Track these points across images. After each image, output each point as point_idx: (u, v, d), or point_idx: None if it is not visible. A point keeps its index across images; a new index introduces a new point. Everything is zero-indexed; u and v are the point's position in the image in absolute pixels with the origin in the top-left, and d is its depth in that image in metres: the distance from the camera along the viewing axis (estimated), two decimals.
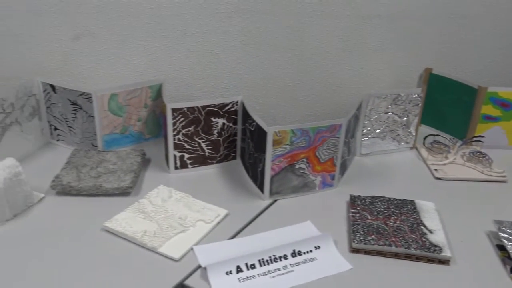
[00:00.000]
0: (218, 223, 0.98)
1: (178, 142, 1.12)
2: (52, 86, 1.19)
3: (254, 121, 1.04)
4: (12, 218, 0.97)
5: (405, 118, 1.26)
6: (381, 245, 0.90)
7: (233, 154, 1.19)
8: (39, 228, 0.96)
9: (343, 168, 1.14)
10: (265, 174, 1.03)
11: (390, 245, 0.90)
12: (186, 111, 1.09)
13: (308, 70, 1.37)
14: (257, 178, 1.07)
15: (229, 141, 1.17)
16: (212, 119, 1.12)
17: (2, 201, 0.94)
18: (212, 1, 1.26)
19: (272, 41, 1.31)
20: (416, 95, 1.25)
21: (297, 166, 1.05)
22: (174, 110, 1.08)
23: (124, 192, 1.06)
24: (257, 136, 1.04)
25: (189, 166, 1.15)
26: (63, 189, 1.04)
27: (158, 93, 1.23)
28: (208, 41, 1.30)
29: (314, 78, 1.38)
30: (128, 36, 1.28)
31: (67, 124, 1.22)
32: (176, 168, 1.14)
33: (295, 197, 1.08)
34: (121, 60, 1.29)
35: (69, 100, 1.18)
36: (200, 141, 1.13)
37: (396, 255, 0.90)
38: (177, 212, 0.99)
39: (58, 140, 1.26)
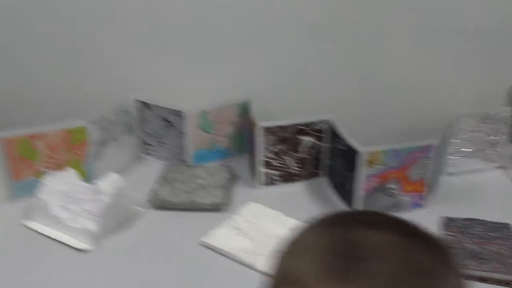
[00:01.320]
0: None
1: (267, 159, 1.15)
2: (146, 104, 1.25)
3: (344, 140, 1.06)
4: (116, 231, 1.03)
5: (494, 137, 1.24)
6: (483, 270, 0.89)
7: (319, 172, 1.21)
8: (140, 241, 1.01)
9: (432, 188, 1.13)
10: (355, 193, 1.04)
11: (491, 271, 0.89)
12: (275, 129, 1.12)
13: (390, 88, 1.36)
14: (347, 197, 1.08)
15: (316, 159, 1.19)
16: (301, 137, 1.14)
17: (109, 215, 1.01)
18: (303, 18, 1.27)
19: (357, 59, 1.31)
20: (505, 114, 1.22)
21: (387, 186, 1.05)
22: (264, 129, 1.11)
23: (216, 208, 1.10)
24: (348, 155, 1.05)
25: (276, 183, 1.18)
26: (159, 204, 1.10)
27: (245, 110, 1.27)
28: (296, 59, 1.32)
29: (397, 96, 1.37)
30: (210, 52, 1.31)
31: (158, 139, 1.27)
32: (263, 184, 1.17)
33: None
34: (208, 77, 1.33)
35: (162, 117, 1.23)
36: (288, 158, 1.16)
37: (497, 282, 0.89)
38: (271, 229, 1.02)
39: (148, 154, 1.31)
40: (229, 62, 1.31)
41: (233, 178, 1.22)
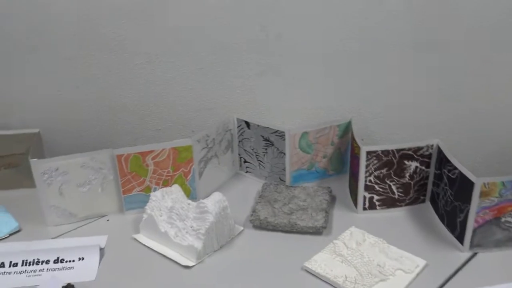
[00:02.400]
0: (418, 274, 0.96)
1: (369, 183, 1.12)
2: (247, 123, 1.27)
3: (456, 168, 1.00)
4: (219, 249, 1.06)
5: None
6: None
7: (422, 198, 1.16)
8: (241, 260, 1.03)
9: None
10: (467, 225, 0.98)
11: None
12: (380, 154, 1.09)
13: (497, 112, 1.28)
14: (456, 228, 1.03)
15: (420, 185, 1.14)
16: (406, 162, 1.10)
17: (212, 233, 1.03)
18: (397, 36, 1.24)
19: (458, 77, 1.26)
20: None
21: (503, 219, 0.98)
22: (368, 153, 1.09)
23: (317, 232, 1.09)
24: (459, 184, 1.00)
25: (378, 207, 1.15)
26: (260, 224, 1.11)
27: (344, 131, 1.25)
28: (395, 79, 1.28)
29: (504, 120, 1.28)
30: (308, 73, 1.31)
31: (257, 158, 1.29)
32: (364, 209, 1.15)
33: (498, 251, 1.01)
34: (301, 96, 1.33)
35: (262, 136, 1.25)
36: (391, 183, 1.12)
37: None
38: (374, 258, 0.99)
39: (247, 172, 1.34)
40: (331, 83, 1.30)
41: (332, 200, 1.21)
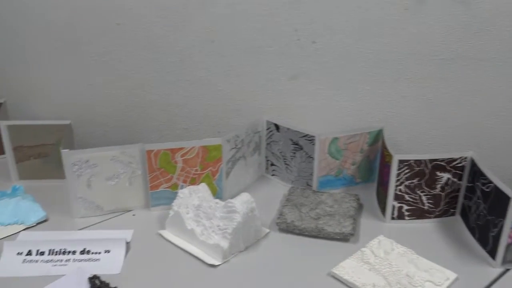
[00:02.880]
0: (448, 287, 0.94)
1: (399, 193, 1.10)
2: (276, 125, 1.27)
3: (490, 182, 0.98)
4: (244, 250, 1.05)
5: None
6: None
7: (452, 210, 1.14)
8: (267, 262, 1.02)
9: None
10: (500, 240, 0.96)
11: None
12: (412, 163, 1.07)
13: None
14: (488, 243, 1.00)
15: (451, 197, 1.12)
16: (438, 173, 1.09)
17: (239, 234, 1.03)
18: (431, 47, 1.23)
19: (492, 90, 1.24)
20: None
21: None
22: (400, 161, 1.07)
23: (344, 238, 1.07)
24: (494, 198, 0.97)
25: (406, 217, 1.13)
26: (287, 227, 1.10)
27: (375, 139, 1.24)
28: (422, 87, 1.27)
29: None
30: (340, 78, 1.31)
31: (284, 161, 1.28)
32: (392, 218, 1.13)
33: None
34: (332, 102, 1.33)
35: (291, 139, 1.24)
36: (421, 194, 1.10)
37: None
38: (403, 268, 0.97)
39: (273, 175, 1.33)
40: (363, 91, 1.29)
41: (360, 208, 1.19)
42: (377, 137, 1.24)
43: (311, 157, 1.22)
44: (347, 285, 0.94)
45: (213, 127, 1.49)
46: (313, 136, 1.19)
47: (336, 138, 1.20)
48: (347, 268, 0.97)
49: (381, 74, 1.27)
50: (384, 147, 1.15)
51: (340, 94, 1.31)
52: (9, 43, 1.52)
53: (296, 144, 1.24)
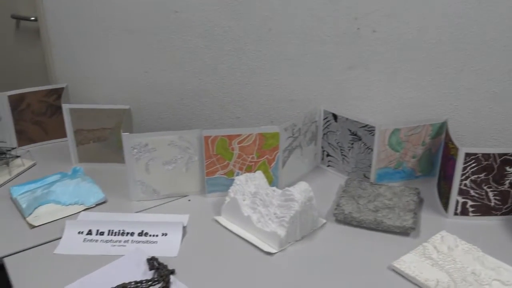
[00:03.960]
0: None
1: (464, 187, 1.05)
2: (334, 115, 1.24)
3: None
4: (300, 239, 1.04)
5: None
6: None
7: None
8: (323, 253, 1.00)
9: None
10: None
11: None
12: (480, 157, 1.02)
13: None
14: None
15: None
16: (507, 168, 1.03)
17: (296, 222, 1.01)
18: (500, 38, 1.17)
19: None
20: None
21: None
22: (467, 155, 1.03)
23: (404, 232, 1.04)
24: None
25: (470, 214, 1.08)
26: (344, 218, 1.07)
27: (438, 132, 1.19)
28: (486, 80, 1.21)
29: None
30: (401, 69, 1.26)
31: (341, 152, 1.26)
32: (455, 214, 1.08)
33: None
34: (390, 93, 1.28)
35: (349, 130, 1.22)
36: (488, 189, 1.05)
37: None
38: (468, 265, 0.93)
39: (328, 166, 1.31)
40: (425, 82, 1.24)
41: (420, 202, 1.15)
42: (440, 129, 1.19)
43: (369, 148, 1.19)
44: (408, 280, 0.91)
45: (266, 116, 1.47)
46: (373, 127, 1.16)
47: (397, 130, 1.16)
48: (408, 263, 0.93)
49: (444, 65, 1.22)
50: (449, 140, 1.10)
51: (400, 85, 1.27)
52: (70, 31, 1.57)
53: (355, 135, 1.21)
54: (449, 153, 1.09)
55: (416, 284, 0.90)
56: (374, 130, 1.16)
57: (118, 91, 1.58)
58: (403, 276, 0.92)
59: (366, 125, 1.17)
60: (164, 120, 1.60)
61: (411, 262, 0.94)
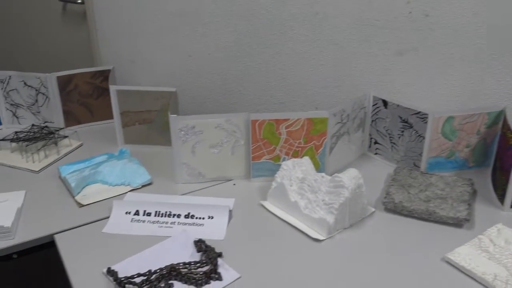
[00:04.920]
0: None
1: None
2: (384, 101, 1.20)
3: None
4: (349, 227, 1.01)
5: None
6: None
7: None
8: (373, 241, 0.97)
9: None
10: None
11: None
12: None
13: None
14: None
15: None
16: None
17: (345, 209, 0.99)
18: None
19: None
20: None
21: None
22: None
23: (458, 223, 1.00)
24: None
25: None
26: (394, 207, 1.04)
27: (494, 121, 1.14)
28: None
29: None
30: (455, 55, 1.21)
31: (390, 140, 1.22)
32: None
33: None
34: (442, 80, 1.23)
35: (400, 117, 1.18)
36: None
37: None
38: None
39: (376, 153, 1.28)
40: (480, 68, 1.19)
41: (474, 193, 1.11)
42: (497, 118, 1.14)
43: (421, 136, 1.15)
44: (463, 272, 0.87)
45: (311, 102, 1.45)
46: (426, 114, 1.12)
47: (451, 117, 1.12)
48: (463, 255, 0.90)
49: (500, 52, 1.16)
50: (507, 129, 1.05)
51: (452, 71, 1.22)
52: (115, 14, 1.58)
53: (406, 122, 1.17)
54: (507, 143, 1.04)
55: (472, 278, 0.86)
56: (427, 118, 1.12)
57: (161, 75, 1.59)
58: (457, 269, 0.88)
59: (419, 112, 1.13)
60: (207, 104, 1.59)
61: (466, 254, 0.90)
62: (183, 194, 1.14)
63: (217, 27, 1.44)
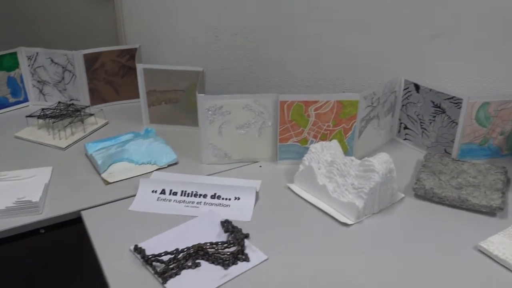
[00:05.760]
0: None
1: None
2: (416, 85, 1.17)
3: None
4: (378, 212, 1.00)
5: None
6: None
7: None
8: (402, 228, 0.95)
9: None
10: None
11: None
12: None
13: None
14: None
15: None
16: None
17: (375, 194, 0.97)
18: None
19: None
20: None
21: None
22: None
23: (491, 212, 0.97)
24: None
25: None
26: (425, 194, 1.02)
27: None
28: None
29: None
30: (491, 38, 1.17)
31: (421, 125, 1.19)
32: None
33: None
34: (477, 64, 1.20)
35: (432, 102, 1.15)
36: None
37: None
38: None
39: (405, 139, 1.25)
40: (497, 51, 1.15)
41: (507, 182, 1.08)
42: None
43: (454, 122, 1.11)
44: (497, 262, 0.85)
45: (337, 86, 1.42)
46: (460, 99, 1.09)
47: (486, 103, 1.08)
48: (496, 244, 0.87)
49: None
50: None
51: (489, 56, 1.18)
52: None
53: (438, 107, 1.14)
54: None
55: (506, 267, 0.84)
56: (460, 103, 1.09)
57: (186, 55, 1.57)
58: (491, 258, 0.86)
59: (453, 97, 1.10)
60: (231, 86, 1.57)
61: (499, 243, 0.88)
62: (208, 175, 1.14)
63: (243, 8, 1.42)
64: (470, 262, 0.86)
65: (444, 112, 1.13)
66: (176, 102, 1.32)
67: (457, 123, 1.11)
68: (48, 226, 1.01)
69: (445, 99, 1.11)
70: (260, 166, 1.16)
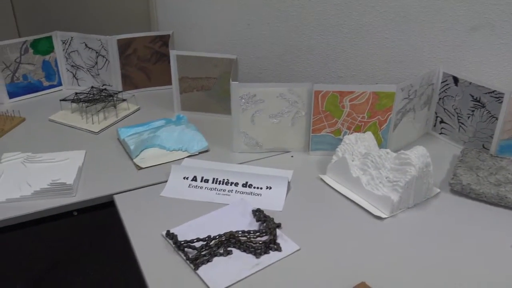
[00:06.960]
0: None
1: None
2: (455, 78, 1.14)
3: None
4: (413, 206, 0.97)
5: None
6: None
7: None
8: (437, 223, 0.93)
9: None
10: None
11: None
12: None
13: None
14: None
15: None
16: None
17: (411, 188, 0.95)
18: None
19: None
20: None
21: None
22: None
23: None
24: None
25: None
26: (461, 189, 0.99)
27: None
28: None
29: None
30: None
31: (458, 119, 1.16)
32: None
33: None
34: None
35: (472, 95, 1.11)
36: None
37: None
38: None
39: (441, 133, 1.22)
40: None
41: None
42: None
43: (494, 117, 1.08)
44: None
45: (371, 77, 1.39)
46: (502, 93, 1.05)
47: None
48: None
49: None
50: None
51: None
52: None
53: (477, 101, 1.10)
54: None
55: None
56: (502, 97, 1.05)
57: (218, 43, 1.56)
58: None
59: (494, 91, 1.06)
60: (263, 75, 1.56)
61: None
62: (239, 163, 1.13)
63: None
64: (507, 261, 0.83)
65: (483, 106, 1.09)
66: (208, 90, 1.31)
67: (497, 118, 1.07)
68: (81, 209, 1.02)
69: (485, 93, 1.08)
70: (292, 156, 1.15)
